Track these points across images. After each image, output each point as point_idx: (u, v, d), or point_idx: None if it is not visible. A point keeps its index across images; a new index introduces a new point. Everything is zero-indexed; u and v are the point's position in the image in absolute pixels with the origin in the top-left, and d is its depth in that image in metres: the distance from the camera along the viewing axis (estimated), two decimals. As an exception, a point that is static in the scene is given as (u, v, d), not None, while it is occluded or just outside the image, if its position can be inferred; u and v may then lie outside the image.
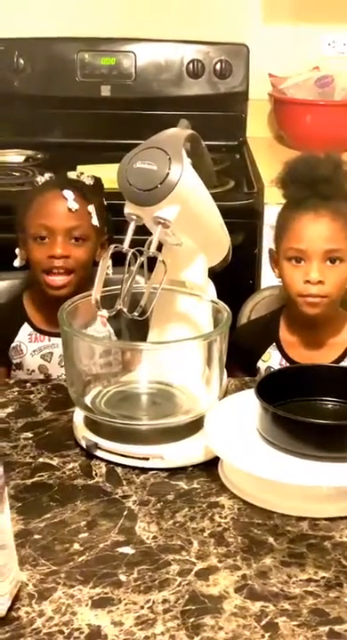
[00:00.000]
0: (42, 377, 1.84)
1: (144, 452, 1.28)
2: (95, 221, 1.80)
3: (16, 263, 1.86)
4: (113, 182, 1.29)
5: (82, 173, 1.88)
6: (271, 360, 1.74)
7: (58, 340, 1.78)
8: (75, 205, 1.76)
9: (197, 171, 1.32)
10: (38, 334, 1.86)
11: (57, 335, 1.76)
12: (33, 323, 1.87)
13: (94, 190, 1.84)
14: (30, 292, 1.90)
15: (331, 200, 1.65)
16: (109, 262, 1.32)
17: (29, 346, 1.86)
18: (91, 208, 1.80)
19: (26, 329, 1.86)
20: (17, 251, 1.85)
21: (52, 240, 1.77)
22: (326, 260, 1.64)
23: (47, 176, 1.85)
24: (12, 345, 1.86)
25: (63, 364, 1.72)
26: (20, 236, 1.85)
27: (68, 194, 1.77)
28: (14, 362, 1.87)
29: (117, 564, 1.08)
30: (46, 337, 1.85)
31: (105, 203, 1.86)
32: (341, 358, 1.70)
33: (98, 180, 1.87)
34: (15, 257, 1.86)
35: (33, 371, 1.86)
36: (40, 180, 1.85)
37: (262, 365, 1.74)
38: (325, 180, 1.64)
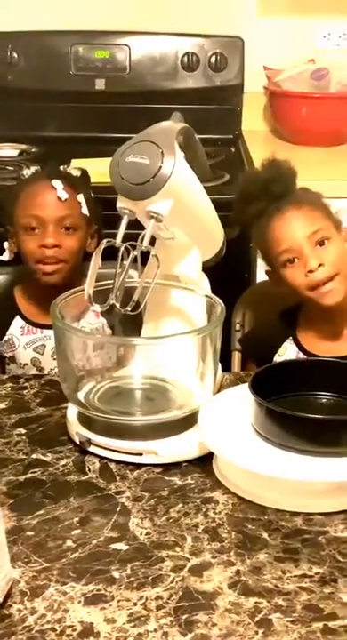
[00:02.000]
0: (34, 370, 1.84)
1: (138, 447, 1.27)
2: (85, 210, 1.81)
3: (4, 257, 1.86)
4: (107, 176, 1.28)
5: (68, 166, 1.89)
6: (287, 354, 1.73)
7: (50, 332, 1.77)
8: (64, 195, 1.77)
9: (190, 164, 1.31)
10: (30, 327, 1.86)
11: (49, 327, 1.75)
12: (25, 315, 1.87)
13: (81, 182, 1.85)
14: (22, 285, 1.90)
15: (287, 195, 1.67)
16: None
17: (22, 339, 1.85)
18: (80, 197, 1.81)
19: (18, 322, 1.86)
20: (5, 244, 1.85)
21: (42, 230, 1.78)
22: (315, 245, 1.64)
23: (33, 169, 1.86)
24: (5, 339, 1.86)
25: (56, 356, 1.72)
26: (8, 230, 1.85)
27: (57, 183, 1.78)
28: (7, 355, 1.86)
29: (110, 561, 1.07)
30: (38, 329, 1.85)
31: (92, 195, 1.86)
32: None
33: (84, 172, 1.88)
34: (4, 251, 1.86)
35: (25, 364, 1.86)
36: (26, 173, 1.86)
37: (277, 360, 1.73)
38: (273, 181, 1.67)
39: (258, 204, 1.68)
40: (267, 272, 1.77)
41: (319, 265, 1.63)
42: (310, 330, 1.74)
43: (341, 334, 1.71)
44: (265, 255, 1.73)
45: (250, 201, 1.69)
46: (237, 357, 1.86)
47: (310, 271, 1.63)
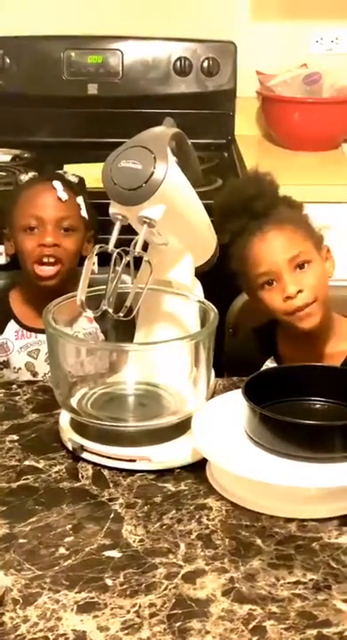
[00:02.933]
0: (28, 375, 1.84)
1: (131, 453, 1.26)
2: (84, 213, 1.82)
3: (1, 260, 1.86)
4: (100, 181, 1.28)
5: (65, 172, 1.90)
6: None
7: (45, 337, 1.77)
8: (65, 195, 1.80)
9: (182, 169, 1.30)
10: (25, 331, 1.86)
11: (44, 332, 1.75)
12: (19, 320, 1.87)
13: (79, 188, 1.86)
14: (17, 290, 1.90)
15: (270, 213, 1.61)
16: (95, 259, 1.31)
17: (16, 343, 1.85)
18: (80, 199, 1.83)
19: (12, 326, 1.86)
20: (2, 248, 1.86)
21: (42, 230, 1.79)
22: (295, 269, 1.59)
23: (31, 174, 1.87)
24: None
25: (49, 362, 1.71)
26: (4, 233, 1.86)
27: (58, 184, 1.80)
28: (0, 360, 1.86)
29: (103, 568, 1.06)
30: (33, 334, 1.85)
31: (89, 201, 1.86)
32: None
33: (81, 180, 1.90)
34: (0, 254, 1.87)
35: (19, 369, 1.85)
36: (23, 178, 1.87)
37: None
38: (255, 198, 1.61)
39: (238, 220, 1.62)
40: (246, 290, 1.73)
41: (298, 291, 1.58)
42: (290, 348, 1.70)
43: (323, 354, 1.67)
44: (243, 274, 1.66)
45: (230, 216, 1.62)
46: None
47: (289, 297, 1.58)
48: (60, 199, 1.79)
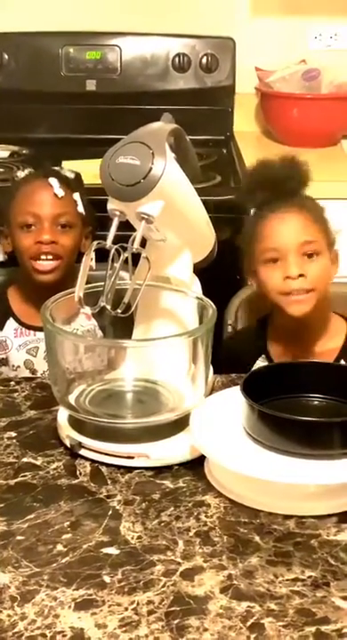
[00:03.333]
0: (27, 373, 1.83)
1: (129, 450, 1.26)
2: (81, 209, 1.82)
3: None
4: (98, 177, 1.27)
5: (62, 168, 1.90)
6: None
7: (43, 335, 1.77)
8: (61, 192, 1.79)
9: (181, 165, 1.30)
10: (24, 329, 1.85)
11: (42, 329, 1.75)
12: (18, 317, 1.86)
13: (76, 184, 1.85)
14: (15, 287, 1.90)
15: (295, 197, 1.65)
16: (93, 255, 1.30)
17: (15, 341, 1.85)
18: (76, 196, 1.82)
19: (11, 324, 1.86)
20: None
21: (39, 227, 1.79)
22: (302, 255, 1.62)
23: (27, 171, 1.87)
24: None
25: (47, 359, 1.71)
26: (1, 230, 1.85)
27: (54, 181, 1.80)
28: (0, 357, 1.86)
29: (101, 565, 1.06)
30: (32, 331, 1.85)
31: (86, 197, 1.86)
32: None
33: (78, 175, 1.89)
34: None
35: (18, 366, 1.85)
36: (20, 174, 1.87)
37: None
38: (285, 179, 1.65)
39: (263, 194, 1.65)
40: (246, 267, 1.74)
41: (300, 275, 1.60)
42: (280, 346, 1.71)
43: (313, 351, 1.68)
44: (247, 251, 1.70)
45: (258, 188, 1.66)
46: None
47: (289, 277, 1.60)
48: (56, 196, 1.79)
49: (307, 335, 1.67)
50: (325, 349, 1.68)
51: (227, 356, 1.73)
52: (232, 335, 1.86)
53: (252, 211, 1.79)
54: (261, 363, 1.71)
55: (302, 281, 1.61)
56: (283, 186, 1.64)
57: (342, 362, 1.67)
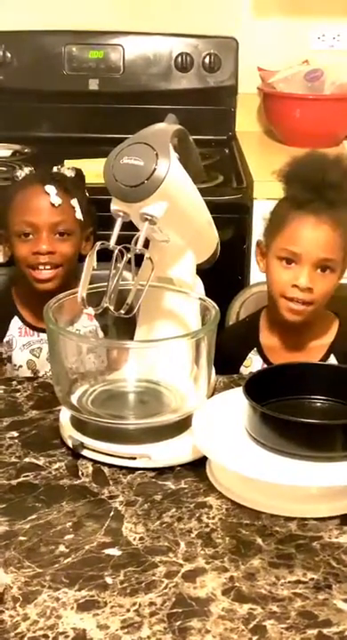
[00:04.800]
0: (29, 373, 1.83)
1: (131, 451, 1.26)
2: (79, 215, 1.78)
3: None
4: (100, 177, 1.27)
5: (62, 166, 1.86)
6: (253, 366, 1.70)
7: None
8: (58, 200, 1.75)
9: (184, 166, 1.30)
10: (28, 329, 1.85)
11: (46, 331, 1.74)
12: (23, 317, 1.85)
13: (76, 183, 1.82)
14: (18, 288, 1.89)
15: (335, 207, 1.59)
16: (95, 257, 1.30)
17: (19, 340, 1.84)
18: (74, 202, 1.78)
19: (16, 322, 1.85)
20: (1, 246, 1.84)
21: (36, 236, 1.76)
22: (317, 268, 1.59)
23: (27, 170, 1.83)
24: (6, 339, 1.84)
25: (50, 359, 1.71)
26: (2, 234, 1.83)
27: (51, 189, 1.75)
28: (5, 356, 1.85)
29: (103, 566, 1.06)
30: (36, 332, 1.84)
31: (87, 195, 1.84)
32: (322, 361, 1.66)
33: (79, 172, 1.85)
34: None
35: (20, 366, 1.84)
36: (20, 174, 1.83)
37: (244, 371, 1.70)
38: (332, 186, 1.58)
39: (303, 193, 1.59)
40: (258, 242, 1.70)
41: (308, 288, 1.59)
42: (273, 339, 1.70)
43: (306, 346, 1.68)
44: (271, 230, 1.64)
45: (298, 184, 1.59)
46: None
47: (296, 286, 1.59)
48: (53, 205, 1.74)
49: (299, 331, 1.67)
50: (316, 344, 1.69)
51: (218, 351, 1.73)
52: (223, 330, 1.84)
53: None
54: (253, 356, 1.71)
55: (308, 294, 1.59)
56: (328, 193, 1.57)
57: (332, 357, 1.67)
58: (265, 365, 1.69)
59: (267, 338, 1.72)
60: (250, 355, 1.71)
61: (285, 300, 1.61)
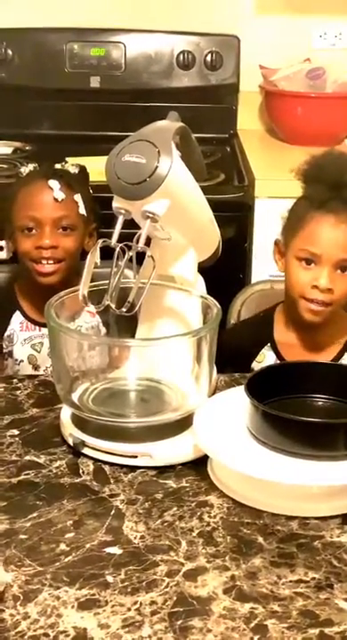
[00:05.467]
0: (30, 367, 1.83)
1: (132, 449, 1.26)
2: (82, 210, 1.80)
3: (3, 255, 1.85)
4: (102, 174, 1.27)
5: (66, 162, 1.87)
6: (266, 361, 1.69)
7: (48, 331, 1.77)
8: (61, 195, 1.76)
9: (186, 164, 1.30)
10: (29, 323, 1.85)
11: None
12: (25, 312, 1.86)
13: (80, 179, 1.84)
14: (20, 282, 1.89)
15: None
16: (97, 254, 1.30)
17: (20, 335, 1.85)
18: (77, 197, 1.79)
19: (17, 317, 1.86)
20: (3, 243, 1.84)
21: (39, 231, 1.77)
22: (337, 269, 1.58)
23: (31, 167, 1.85)
24: (7, 334, 1.85)
25: (51, 356, 1.70)
26: (6, 229, 1.84)
27: (54, 184, 1.77)
28: (6, 350, 1.85)
29: (104, 565, 1.06)
30: (37, 327, 1.84)
31: (91, 192, 1.84)
32: (336, 359, 1.66)
33: (83, 169, 1.87)
34: (1, 249, 1.85)
35: (21, 361, 1.85)
36: (24, 170, 1.85)
37: (256, 367, 1.69)
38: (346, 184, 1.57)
39: (324, 190, 1.56)
40: (276, 241, 1.68)
41: (328, 289, 1.58)
42: (288, 336, 1.70)
43: (321, 344, 1.67)
44: (290, 230, 1.63)
45: (319, 180, 1.58)
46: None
47: (316, 287, 1.58)
48: (56, 199, 1.76)
49: (315, 329, 1.66)
50: (331, 343, 1.68)
51: (230, 346, 1.72)
52: (236, 325, 1.84)
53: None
54: (266, 352, 1.70)
55: (327, 295, 1.58)
56: (342, 190, 1.56)
57: (346, 355, 1.67)
58: (278, 361, 1.68)
59: (282, 334, 1.71)
60: (263, 350, 1.70)
61: (305, 301, 1.60)
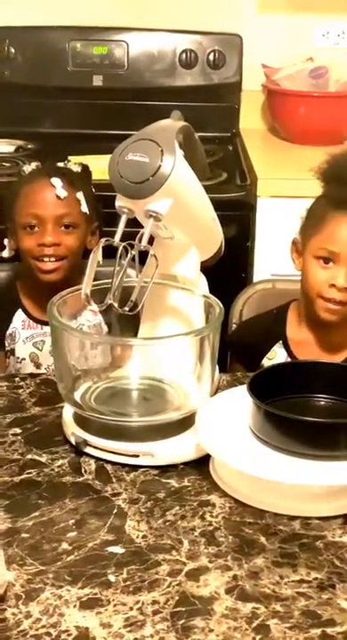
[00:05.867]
0: (31, 366, 1.83)
1: (134, 449, 1.26)
2: (84, 208, 1.80)
3: (4, 254, 1.85)
4: (104, 173, 1.27)
5: (69, 161, 1.87)
6: (277, 358, 1.69)
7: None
8: (63, 193, 1.77)
9: (189, 163, 1.29)
10: (31, 321, 1.86)
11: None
12: (27, 310, 1.86)
13: (82, 178, 1.84)
14: (23, 281, 1.89)
15: None
16: (100, 253, 1.30)
17: (22, 333, 1.85)
18: (79, 195, 1.80)
19: (19, 315, 1.86)
20: (5, 241, 1.85)
21: (41, 228, 1.78)
22: None
23: (33, 165, 1.85)
24: (9, 332, 1.85)
25: (53, 355, 1.70)
26: (8, 227, 1.84)
27: (56, 181, 1.77)
28: (8, 348, 1.85)
29: (106, 564, 1.06)
30: (39, 325, 1.85)
31: (93, 190, 1.85)
32: None
33: (85, 168, 1.87)
34: (4, 248, 1.85)
35: (23, 359, 1.85)
36: (26, 169, 1.85)
37: (266, 363, 1.69)
38: None
39: (343, 189, 1.57)
40: (294, 239, 1.68)
41: (346, 288, 1.57)
42: (301, 334, 1.69)
43: (334, 343, 1.67)
44: (308, 229, 1.63)
45: (338, 179, 1.58)
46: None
47: (335, 286, 1.58)
48: (58, 197, 1.76)
49: (329, 328, 1.65)
50: (343, 342, 1.67)
51: (240, 343, 1.72)
52: (249, 320, 1.83)
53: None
54: (277, 349, 1.70)
55: (345, 294, 1.58)
56: None
57: None
58: (289, 359, 1.68)
59: (295, 332, 1.70)
60: (275, 347, 1.70)
61: (322, 300, 1.60)
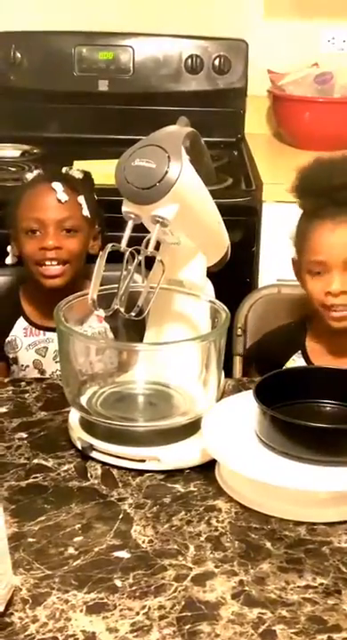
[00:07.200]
0: (36, 373, 1.83)
1: (140, 453, 1.26)
2: (86, 212, 1.80)
3: (8, 260, 1.86)
4: (110, 178, 1.27)
5: (71, 168, 1.88)
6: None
7: (53, 335, 1.77)
8: (64, 197, 1.77)
9: (196, 169, 1.30)
10: (33, 328, 1.85)
11: (52, 330, 1.75)
12: (28, 317, 1.86)
13: (83, 183, 1.84)
14: (25, 287, 1.89)
15: None
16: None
17: (24, 340, 1.85)
18: (81, 199, 1.80)
19: (21, 323, 1.86)
20: (9, 248, 1.85)
21: (43, 233, 1.78)
22: (345, 270, 1.58)
23: (36, 172, 1.86)
24: (7, 340, 1.85)
25: (58, 359, 1.71)
26: (11, 233, 1.85)
27: (57, 186, 1.78)
28: (10, 357, 1.86)
29: (113, 569, 1.06)
30: (41, 331, 1.85)
31: (95, 196, 1.85)
32: None
33: (87, 174, 1.88)
34: (7, 254, 1.86)
35: (27, 366, 1.85)
36: (29, 176, 1.86)
37: None
38: (342, 187, 1.57)
39: (316, 201, 1.58)
40: (293, 260, 1.69)
41: (342, 292, 1.58)
42: (318, 343, 1.70)
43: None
44: (299, 247, 1.64)
45: (309, 195, 1.60)
46: (238, 363, 1.84)
47: (330, 293, 1.58)
48: (59, 201, 1.77)
49: (343, 335, 1.66)
50: None
51: (261, 351, 1.72)
52: (273, 331, 1.83)
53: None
54: (296, 358, 1.70)
55: (344, 298, 1.58)
56: (338, 195, 1.57)
57: None
58: None
59: (311, 341, 1.71)
60: (294, 357, 1.70)
61: (325, 310, 1.61)
